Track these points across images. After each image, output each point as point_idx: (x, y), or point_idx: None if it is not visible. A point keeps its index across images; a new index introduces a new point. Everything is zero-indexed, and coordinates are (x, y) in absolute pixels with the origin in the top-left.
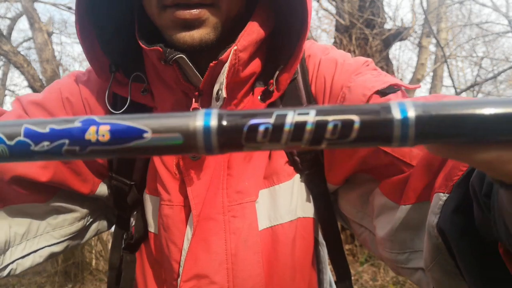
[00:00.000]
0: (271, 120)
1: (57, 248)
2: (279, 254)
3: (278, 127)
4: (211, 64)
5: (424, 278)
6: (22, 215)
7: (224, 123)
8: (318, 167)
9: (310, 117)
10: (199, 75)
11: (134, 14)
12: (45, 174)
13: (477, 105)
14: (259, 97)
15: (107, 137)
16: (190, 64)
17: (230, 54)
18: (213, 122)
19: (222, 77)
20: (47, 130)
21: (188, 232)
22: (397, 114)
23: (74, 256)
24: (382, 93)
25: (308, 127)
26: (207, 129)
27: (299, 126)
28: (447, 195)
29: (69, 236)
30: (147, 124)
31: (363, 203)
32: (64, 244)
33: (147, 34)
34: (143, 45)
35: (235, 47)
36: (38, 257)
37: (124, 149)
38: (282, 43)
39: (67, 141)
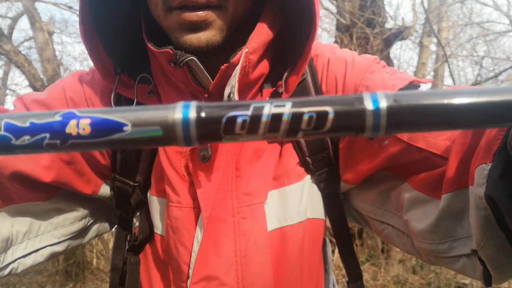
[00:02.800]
0: (249, 112)
1: (58, 248)
2: (288, 255)
3: (255, 119)
4: (222, 66)
5: (468, 264)
6: (24, 214)
7: (203, 115)
8: (329, 167)
9: (286, 109)
10: (209, 77)
11: (140, 15)
12: (48, 175)
13: (446, 96)
14: (267, 99)
15: (87, 130)
16: (201, 67)
17: (241, 56)
18: (192, 114)
19: (234, 80)
20: (27, 124)
21: (198, 233)
22: (369, 105)
23: (75, 255)
24: None
25: (285, 118)
26: (186, 121)
27: (276, 118)
28: (490, 164)
29: (70, 235)
30: (127, 117)
31: (383, 201)
32: (65, 244)
33: (154, 36)
34: (152, 47)
35: (246, 50)
36: (39, 257)
37: (105, 142)
38: (289, 44)
39: (48, 135)
